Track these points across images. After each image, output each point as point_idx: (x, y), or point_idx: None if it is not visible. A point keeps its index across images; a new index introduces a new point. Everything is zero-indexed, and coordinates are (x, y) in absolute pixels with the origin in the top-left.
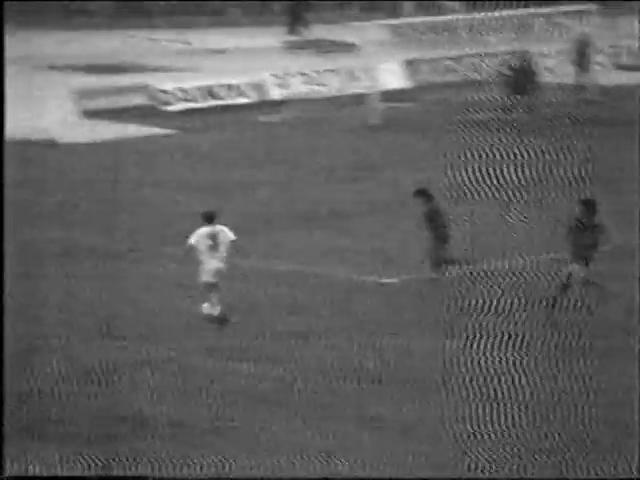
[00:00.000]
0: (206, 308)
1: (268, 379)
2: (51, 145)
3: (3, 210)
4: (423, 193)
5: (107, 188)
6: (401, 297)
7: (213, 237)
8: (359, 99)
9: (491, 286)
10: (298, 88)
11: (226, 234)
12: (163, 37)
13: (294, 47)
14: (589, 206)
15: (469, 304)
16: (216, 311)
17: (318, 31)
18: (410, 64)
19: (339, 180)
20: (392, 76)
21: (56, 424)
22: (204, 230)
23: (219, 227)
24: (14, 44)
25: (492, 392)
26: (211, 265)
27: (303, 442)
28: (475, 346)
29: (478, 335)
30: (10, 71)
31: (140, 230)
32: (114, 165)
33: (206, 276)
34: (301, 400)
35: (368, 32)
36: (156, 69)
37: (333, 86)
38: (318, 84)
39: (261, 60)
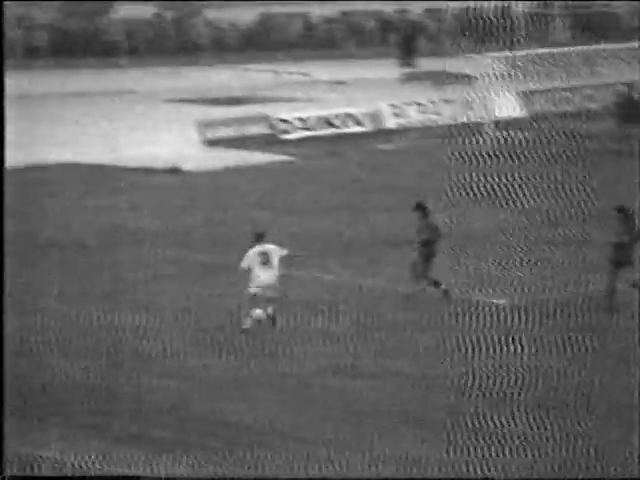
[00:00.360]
0: (256, 314)
1: (382, 394)
2: (173, 172)
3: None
4: (421, 207)
5: (229, 210)
6: (511, 317)
7: (263, 255)
8: (473, 128)
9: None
10: (414, 117)
11: (278, 251)
12: (281, 69)
13: (410, 79)
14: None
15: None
16: (248, 323)
17: (434, 63)
18: (525, 95)
19: (451, 205)
20: (507, 106)
21: (190, 434)
22: (254, 250)
23: (268, 246)
24: (142, 79)
25: None
26: (262, 279)
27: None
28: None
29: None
30: (139, 105)
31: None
32: (235, 189)
33: (254, 289)
34: (410, 415)
35: (484, 64)
36: (275, 100)
37: (448, 115)
38: (433, 113)
39: (378, 91)
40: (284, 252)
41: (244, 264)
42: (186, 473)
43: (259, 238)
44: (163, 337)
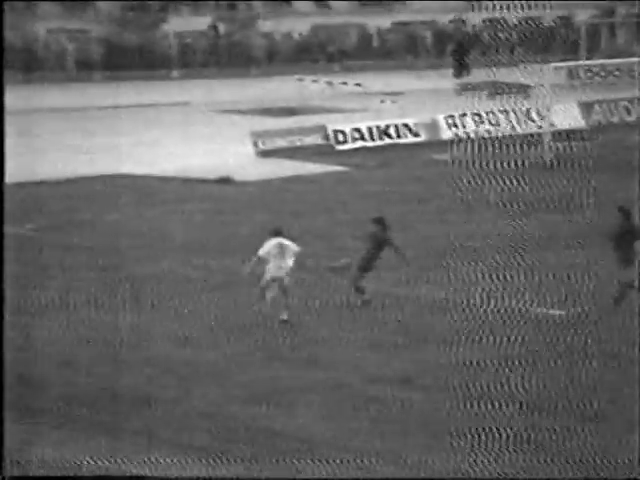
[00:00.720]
0: (270, 299)
1: (439, 407)
2: (226, 182)
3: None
4: (379, 222)
5: (281, 221)
6: (568, 329)
7: (280, 247)
8: (532, 139)
9: None
10: (470, 128)
11: (293, 246)
12: (336, 80)
13: (467, 89)
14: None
15: None
16: (285, 315)
17: (491, 73)
18: (585, 105)
19: (509, 216)
20: (566, 117)
21: (231, 441)
22: (272, 241)
23: (285, 241)
24: (195, 91)
25: None
26: (275, 270)
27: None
28: None
29: None
30: (193, 116)
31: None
32: (288, 200)
33: (271, 275)
34: (460, 429)
35: (543, 74)
36: (330, 110)
37: (506, 126)
38: (491, 124)
39: (433, 101)
40: (298, 249)
41: (262, 252)
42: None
43: (276, 233)
44: (209, 345)
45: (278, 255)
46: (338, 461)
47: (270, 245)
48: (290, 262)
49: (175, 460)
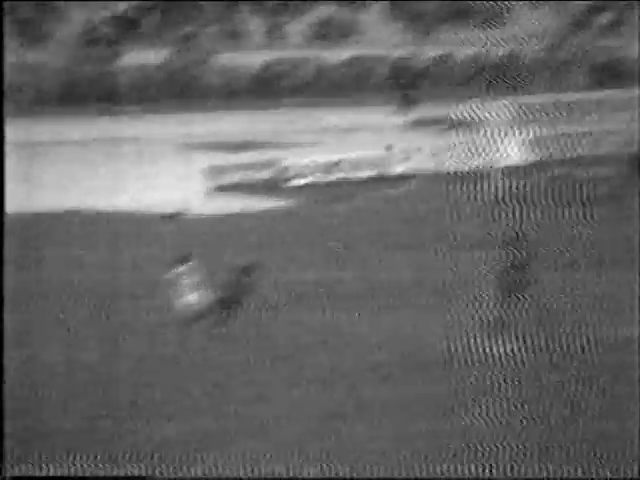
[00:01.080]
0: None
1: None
2: (176, 217)
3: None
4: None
5: (227, 257)
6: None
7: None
8: (481, 174)
9: None
10: (420, 163)
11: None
12: (290, 115)
13: (417, 124)
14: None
15: None
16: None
17: (441, 109)
18: (533, 141)
19: (455, 250)
20: (515, 152)
21: None
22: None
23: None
24: (150, 125)
25: None
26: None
27: None
28: None
29: None
30: (146, 151)
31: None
32: (237, 235)
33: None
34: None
35: (493, 110)
36: (284, 145)
37: (455, 161)
38: (440, 159)
39: (384, 136)
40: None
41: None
42: None
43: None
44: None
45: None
46: None
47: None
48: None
49: None
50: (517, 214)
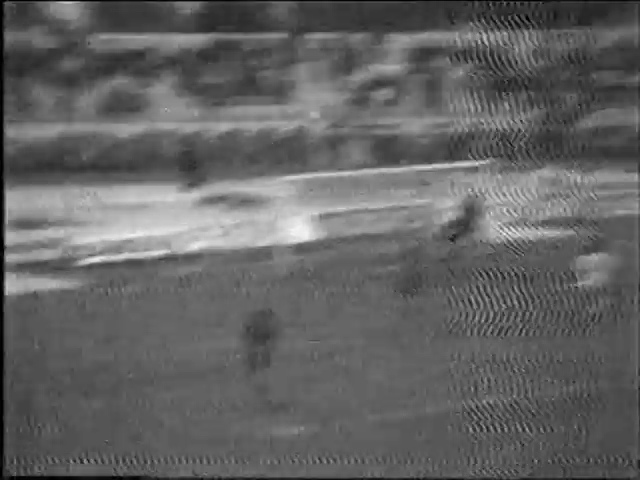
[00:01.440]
0: None
1: None
2: None
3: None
4: None
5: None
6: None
7: None
8: (268, 252)
9: None
10: (208, 242)
11: None
12: (75, 192)
13: (205, 202)
14: None
15: None
16: None
17: (227, 186)
18: (320, 217)
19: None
20: (301, 229)
21: None
22: None
23: None
24: None
25: None
26: None
27: None
28: None
29: None
30: None
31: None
32: (12, 318)
33: None
34: None
35: (277, 186)
36: (69, 224)
37: (243, 240)
38: (228, 238)
39: (174, 215)
40: None
41: None
42: None
43: None
44: None
45: None
46: None
47: None
48: None
49: None
50: (299, 293)
